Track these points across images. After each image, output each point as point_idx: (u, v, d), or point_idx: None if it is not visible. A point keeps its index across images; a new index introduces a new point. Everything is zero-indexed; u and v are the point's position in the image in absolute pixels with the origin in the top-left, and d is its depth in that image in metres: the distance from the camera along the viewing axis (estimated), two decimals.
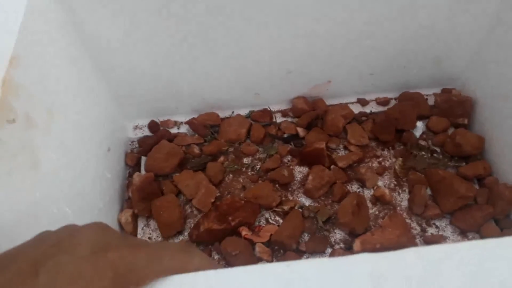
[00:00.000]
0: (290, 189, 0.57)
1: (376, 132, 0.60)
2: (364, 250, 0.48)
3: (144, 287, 0.21)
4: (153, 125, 0.66)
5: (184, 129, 0.66)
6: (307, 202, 0.56)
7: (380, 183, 0.57)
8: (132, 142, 0.65)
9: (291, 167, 0.59)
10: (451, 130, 0.60)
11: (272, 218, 0.55)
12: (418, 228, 0.52)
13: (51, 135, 0.40)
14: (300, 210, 0.54)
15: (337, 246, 0.51)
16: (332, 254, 0.49)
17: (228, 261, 0.49)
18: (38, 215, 0.36)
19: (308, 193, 0.56)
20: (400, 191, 0.56)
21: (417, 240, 0.51)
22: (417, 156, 0.58)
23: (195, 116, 0.65)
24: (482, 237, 0.50)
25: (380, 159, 0.59)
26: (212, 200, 0.55)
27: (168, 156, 0.60)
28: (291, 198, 0.56)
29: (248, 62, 0.58)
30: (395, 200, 0.55)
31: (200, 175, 0.58)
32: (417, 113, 0.60)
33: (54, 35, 0.43)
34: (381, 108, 0.65)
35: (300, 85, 0.64)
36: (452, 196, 0.51)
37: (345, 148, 0.60)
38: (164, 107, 0.65)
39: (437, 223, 0.53)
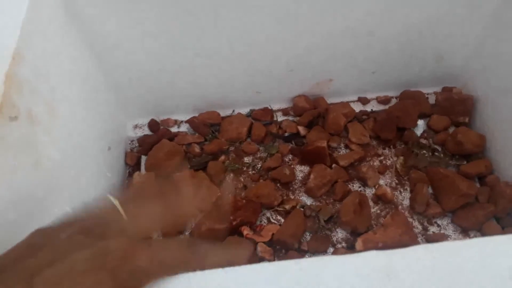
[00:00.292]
0: (291, 188, 0.57)
1: (377, 130, 0.60)
2: (366, 249, 0.47)
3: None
4: (153, 124, 0.65)
5: (184, 128, 0.66)
6: (308, 201, 0.55)
7: (381, 181, 0.57)
8: (132, 141, 0.65)
9: (292, 166, 0.59)
10: (452, 129, 0.60)
11: (274, 218, 0.54)
12: (420, 227, 0.52)
13: (53, 132, 0.39)
14: (302, 209, 0.54)
15: (339, 246, 0.51)
16: (334, 253, 0.49)
17: (230, 262, 0.49)
18: (40, 214, 0.36)
19: (309, 192, 0.56)
20: (402, 190, 0.56)
21: (419, 239, 0.51)
22: (418, 154, 0.58)
23: (196, 115, 0.65)
24: (484, 235, 0.50)
25: (382, 157, 0.59)
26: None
27: (168, 155, 0.59)
28: (292, 197, 0.56)
29: (249, 61, 0.58)
30: (397, 199, 0.55)
31: (201, 174, 0.57)
32: (418, 111, 0.60)
33: (57, 31, 0.43)
34: (382, 107, 0.65)
35: (301, 83, 0.64)
36: (454, 194, 0.51)
37: (346, 146, 0.60)
38: (165, 105, 0.65)
39: (439, 222, 0.53)
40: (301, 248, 0.51)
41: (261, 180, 0.58)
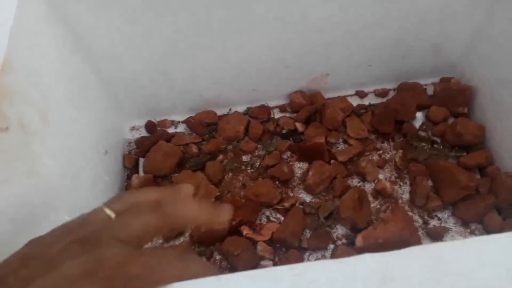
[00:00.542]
0: (290, 185, 0.57)
1: (375, 124, 0.60)
2: (366, 245, 0.47)
3: None
4: (150, 126, 0.65)
5: (181, 128, 0.65)
6: (308, 198, 0.55)
7: (381, 176, 0.56)
8: (129, 143, 0.65)
9: (290, 163, 0.59)
10: (451, 120, 0.60)
11: (274, 216, 0.54)
12: (421, 221, 0.52)
13: (47, 140, 0.39)
14: (301, 206, 0.54)
15: (339, 242, 0.51)
16: (334, 250, 0.49)
17: (230, 262, 0.49)
18: (37, 223, 0.36)
19: (308, 189, 0.55)
20: (402, 184, 0.55)
21: (420, 233, 0.51)
22: (418, 147, 0.58)
23: (192, 114, 0.65)
24: (485, 227, 0.50)
25: (380, 151, 0.59)
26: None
27: (166, 157, 0.59)
28: (291, 194, 0.56)
29: (244, 58, 0.57)
30: (397, 193, 0.55)
31: (199, 174, 0.57)
32: (417, 103, 0.60)
33: (48, 37, 0.42)
34: (380, 100, 0.64)
35: (298, 79, 0.63)
36: (454, 186, 0.51)
37: (345, 141, 0.60)
38: (161, 106, 0.64)
39: (439, 215, 0.52)
40: (301, 246, 0.50)
41: (259, 179, 0.58)
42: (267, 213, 0.55)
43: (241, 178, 0.58)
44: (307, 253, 0.50)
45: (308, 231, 0.52)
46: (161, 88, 0.61)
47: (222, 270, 0.50)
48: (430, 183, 0.54)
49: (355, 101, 0.64)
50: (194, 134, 0.64)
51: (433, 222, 0.52)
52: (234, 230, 0.51)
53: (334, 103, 0.61)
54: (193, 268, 0.22)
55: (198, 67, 0.58)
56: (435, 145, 0.58)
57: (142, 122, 0.65)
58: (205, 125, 0.64)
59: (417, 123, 0.60)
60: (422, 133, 0.59)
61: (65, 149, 0.43)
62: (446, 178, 0.52)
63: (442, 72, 0.64)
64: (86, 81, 0.52)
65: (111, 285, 0.20)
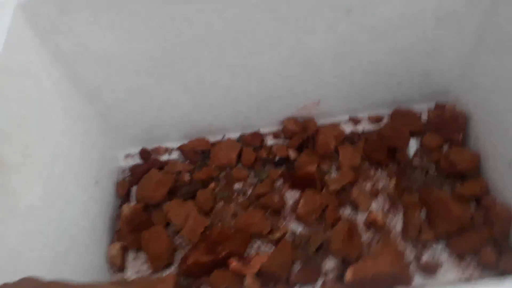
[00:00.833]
0: (282, 214, 0.56)
1: (368, 152, 0.59)
2: (356, 279, 0.46)
3: None
4: (144, 153, 0.65)
5: (175, 155, 0.66)
6: (299, 228, 0.54)
7: (373, 205, 0.55)
8: (123, 171, 0.65)
9: (282, 191, 0.58)
10: (446, 147, 0.58)
11: (264, 247, 0.53)
12: (413, 254, 0.50)
13: (30, 176, 0.39)
14: (292, 236, 0.53)
15: (330, 275, 0.50)
16: (323, 285, 0.48)
17: None
18: (16, 264, 0.36)
19: (300, 218, 0.54)
20: (394, 214, 0.54)
21: (412, 267, 0.49)
22: (412, 175, 0.57)
23: (186, 141, 0.65)
24: (480, 260, 0.48)
25: (374, 180, 0.58)
26: (201, 230, 0.54)
27: (158, 185, 0.59)
28: (282, 224, 0.55)
29: (237, 87, 0.58)
30: (389, 224, 0.53)
31: (189, 204, 0.57)
32: (410, 130, 0.59)
33: (35, 67, 0.43)
34: (373, 126, 0.63)
35: (289, 106, 0.63)
36: (447, 218, 0.49)
37: (338, 169, 0.59)
38: (155, 134, 0.65)
39: (433, 247, 0.51)
40: (290, 279, 0.49)
41: (251, 208, 0.57)
42: (258, 243, 0.54)
43: (232, 207, 0.58)
44: (296, 287, 0.49)
45: (298, 263, 0.51)
46: (155, 117, 0.61)
47: None
48: (424, 213, 0.53)
49: (348, 127, 0.63)
50: (187, 162, 0.64)
51: (426, 255, 0.50)
52: (222, 262, 0.51)
53: (326, 130, 0.61)
54: None
55: (190, 96, 0.58)
56: (430, 173, 0.57)
57: (136, 150, 0.66)
58: (199, 152, 0.64)
59: (411, 150, 0.59)
60: (416, 161, 0.58)
61: (53, 182, 0.44)
62: (439, 209, 0.50)
63: (437, 96, 0.63)
64: (79, 113, 0.53)
65: None
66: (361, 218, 0.54)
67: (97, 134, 0.58)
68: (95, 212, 0.54)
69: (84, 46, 0.48)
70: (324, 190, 0.56)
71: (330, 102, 0.62)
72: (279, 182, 0.60)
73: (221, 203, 0.59)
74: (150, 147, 0.66)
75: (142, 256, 0.54)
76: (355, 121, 0.64)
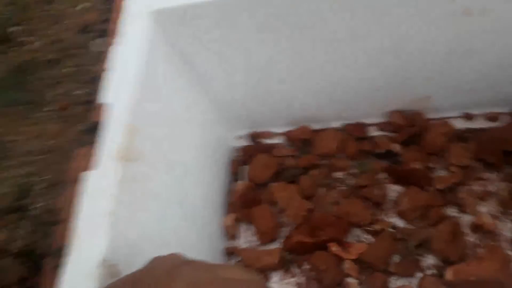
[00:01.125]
0: (383, 207, 0.58)
1: (480, 152, 0.57)
2: (457, 280, 0.47)
3: None
4: (253, 136, 0.71)
5: (280, 139, 0.70)
6: (400, 223, 0.56)
7: (482, 209, 0.54)
8: (236, 150, 0.72)
9: (385, 185, 0.59)
10: None
11: (363, 236, 0.56)
12: None
13: (162, 165, 0.47)
14: (392, 231, 0.55)
15: (428, 271, 0.51)
16: (422, 280, 0.49)
17: (317, 275, 0.53)
18: (157, 236, 0.43)
19: (401, 214, 0.56)
20: (506, 220, 0.52)
21: None
22: None
23: (292, 128, 0.69)
24: None
25: (485, 182, 0.56)
26: (304, 213, 0.58)
27: (265, 167, 0.65)
28: (383, 217, 0.57)
29: (343, 76, 0.59)
30: (499, 230, 0.52)
31: (293, 187, 0.61)
32: None
33: (171, 76, 0.50)
34: (488, 124, 0.60)
35: (397, 98, 0.62)
36: None
37: (445, 168, 0.58)
38: (263, 119, 0.70)
39: None
40: (388, 270, 0.52)
41: (352, 197, 0.60)
42: (357, 232, 0.57)
43: (333, 195, 0.61)
44: (393, 278, 0.52)
45: (396, 256, 0.53)
46: (262, 105, 0.66)
47: (309, 280, 0.55)
48: None
49: (460, 124, 0.61)
50: (291, 147, 0.68)
51: None
52: (323, 245, 0.55)
53: (435, 127, 0.60)
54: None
55: (295, 86, 0.61)
56: None
57: (246, 132, 0.72)
58: (302, 139, 0.68)
59: None
60: None
61: (178, 168, 0.51)
62: None
63: None
64: (197, 103, 0.60)
65: None
66: (466, 219, 0.54)
67: (212, 122, 0.65)
68: (214, 187, 0.62)
69: (205, 47, 0.53)
70: (429, 188, 0.56)
71: (441, 97, 0.60)
72: (381, 175, 0.61)
73: (322, 190, 0.62)
74: (258, 130, 0.72)
75: (252, 228, 0.61)
76: (468, 117, 0.62)
